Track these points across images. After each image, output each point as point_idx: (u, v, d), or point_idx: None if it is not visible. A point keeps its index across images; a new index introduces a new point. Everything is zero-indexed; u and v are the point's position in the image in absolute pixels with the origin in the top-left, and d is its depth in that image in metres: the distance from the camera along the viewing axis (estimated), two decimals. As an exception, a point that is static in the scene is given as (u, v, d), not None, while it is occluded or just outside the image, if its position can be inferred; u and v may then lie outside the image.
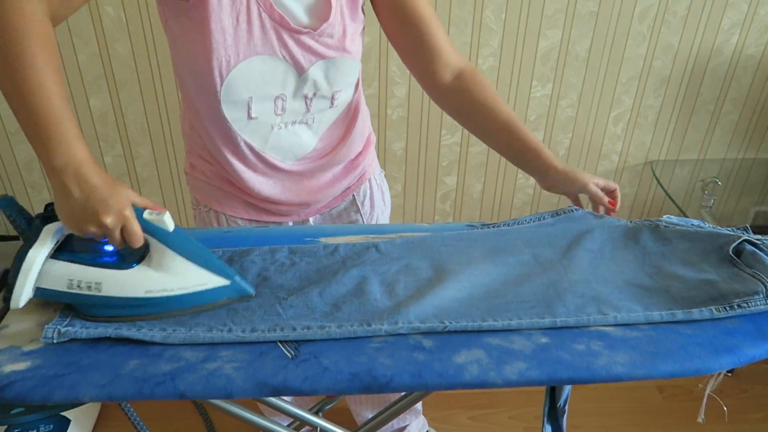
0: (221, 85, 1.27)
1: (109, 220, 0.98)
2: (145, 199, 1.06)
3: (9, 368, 0.95)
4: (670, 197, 2.72)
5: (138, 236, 1.02)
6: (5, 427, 2.15)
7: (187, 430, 2.51)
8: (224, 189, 1.55)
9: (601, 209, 1.45)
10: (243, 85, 1.29)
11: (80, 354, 0.99)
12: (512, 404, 2.66)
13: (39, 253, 1.02)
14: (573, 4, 2.51)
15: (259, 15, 1.23)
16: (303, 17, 1.29)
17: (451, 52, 1.45)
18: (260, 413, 1.28)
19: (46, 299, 1.06)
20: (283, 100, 1.36)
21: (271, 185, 1.50)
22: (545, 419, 1.30)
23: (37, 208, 2.80)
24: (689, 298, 1.12)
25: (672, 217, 1.37)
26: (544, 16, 2.54)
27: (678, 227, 1.32)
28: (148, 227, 1.03)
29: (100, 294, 1.04)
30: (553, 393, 1.29)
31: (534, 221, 1.39)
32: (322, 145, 1.51)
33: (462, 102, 1.49)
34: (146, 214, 1.03)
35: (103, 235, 1.00)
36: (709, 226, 1.33)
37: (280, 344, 1.02)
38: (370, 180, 1.69)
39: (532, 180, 2.90)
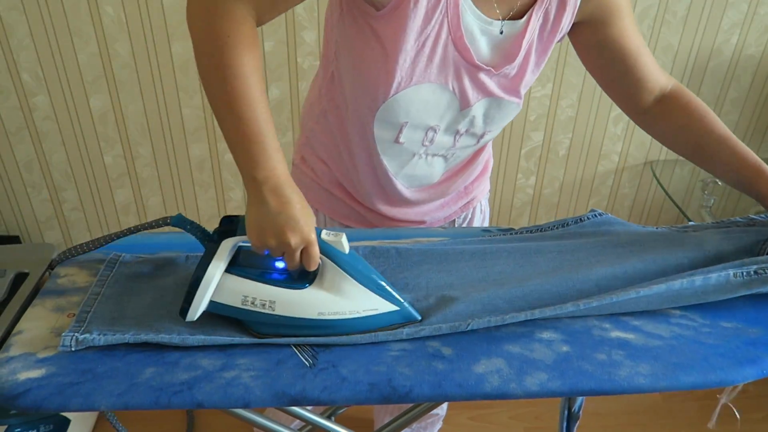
0: (382, 102, 1.23)
1: (294, 240, 0.98)
2: None
3: (24, 375, 0.94)
4: (670, 197, 2.72)
5: (316, 261, 1.02)
6: (5, 427, 2.14)
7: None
8: (333, 193, 1.53)
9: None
10: (404, 109, 1.24)
11: (95, 361, 0.98)
12: (512, 404, 2.66)
13: (219, 268, 1.02)
14: (574, 4, 2.51)
15: (446, 44, 1.18)
16: (487, 54, 1.23)
17: (656, 78, 1.34)
18: (267, 414, 1.26)
19: (217, 313, 1.06)
20: (434, 131, 1.31)
21: (384, 202, 1.49)
22: (564, 429, 1.29)
23: (37, 208, 2.80)
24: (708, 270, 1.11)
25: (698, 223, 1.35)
26: (546, 17, 2.54)
27: (707, 228, 1.30)
28: (325, 248, 1.02)
29: (273, 313, 1.04)
30: (569, 399, 1.28)
31: (557, 227, 1.36)
32: (445, 175, 1.50)
33: (665, 128, 1.38)
34: (324, 235, 1.02)
35: (281, 252, 1.01)
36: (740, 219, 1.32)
37: (297, 352, 1.01)
38: (475, 207, 1.66)
39: (532, 180, 2.92)
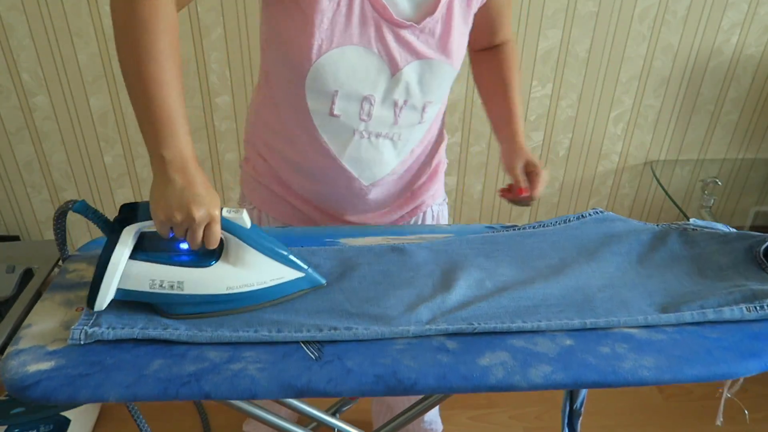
0: (308, 69, 1.23)
1: (199, 214, 1.00)
2: None
3: (34, 368, 0.95)
4: (670, 197, 2.73)
5: (217, 238, 1.04)
6: (5, 426, 2.13)
7: (183, 430, 2.50)
8: (273, 189, 1.52)
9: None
10: (331, 74, 1.24)
11: (104, 354, 0.99)
12: (512, 404, 2.65)
13: (122, 255, 1.04)
14: (573, 4, 2.52)
15: (361, 2, 1.19)
16: (407, 9, 1.23)
17: (506, 32, 1.53)
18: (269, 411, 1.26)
19: (126, 299, 1.07)
20: (370, 103, 1.30)
21: (327, 197, 1.49)
22: (565, 423, 1.29)
23: (36, 208, 2.80)
24: (719, 299, 1.12)
25: (698, 220, 1.36)
26: (544, 16, 2.55)
27: (705, 230, 1.31)
28: (227, 225, 1.05)
29: (183, 292, 1.06)
30: (571, 395, 1.28)
31: (559, 224, 1.37)
32: (399, 168, 1.47)
33: (480, 68, 1.59)
34: (225, 212, 1.05)
35: (185, 228, 1.02)
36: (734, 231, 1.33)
37: (303, 346, 1.02)
38: (425, 212, 1.64)
39: (532, 180, 2.92)
